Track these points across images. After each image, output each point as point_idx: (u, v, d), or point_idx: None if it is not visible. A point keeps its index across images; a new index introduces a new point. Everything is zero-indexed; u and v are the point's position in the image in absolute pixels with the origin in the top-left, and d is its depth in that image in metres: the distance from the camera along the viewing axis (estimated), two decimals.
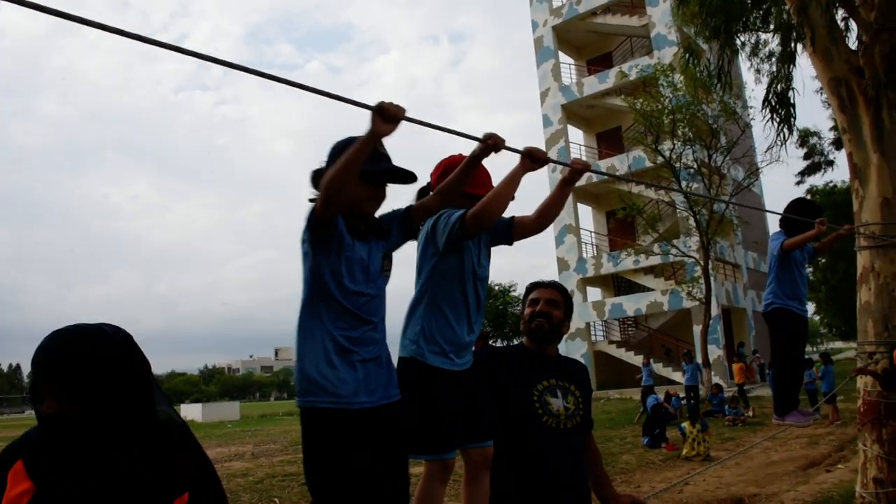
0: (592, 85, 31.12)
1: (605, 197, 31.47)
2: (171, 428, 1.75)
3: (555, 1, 33.23)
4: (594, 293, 33.07)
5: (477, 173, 2.71)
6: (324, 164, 2.53)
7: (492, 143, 2.44)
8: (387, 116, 2.13)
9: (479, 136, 2.48)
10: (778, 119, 11.80)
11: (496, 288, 28.36)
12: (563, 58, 34.01)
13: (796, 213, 5.30)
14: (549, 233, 31.90)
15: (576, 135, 34.09)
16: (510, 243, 2.96)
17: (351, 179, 2.22)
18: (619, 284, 32.28)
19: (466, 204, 2.71)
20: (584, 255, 31.61)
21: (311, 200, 2.47)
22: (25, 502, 1.49)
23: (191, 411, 36.75)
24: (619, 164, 28.87)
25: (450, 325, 2.70)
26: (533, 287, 3.14)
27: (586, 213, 33.89)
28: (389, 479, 2.36)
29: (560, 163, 2.95)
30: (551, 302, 3.03)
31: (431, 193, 2.64)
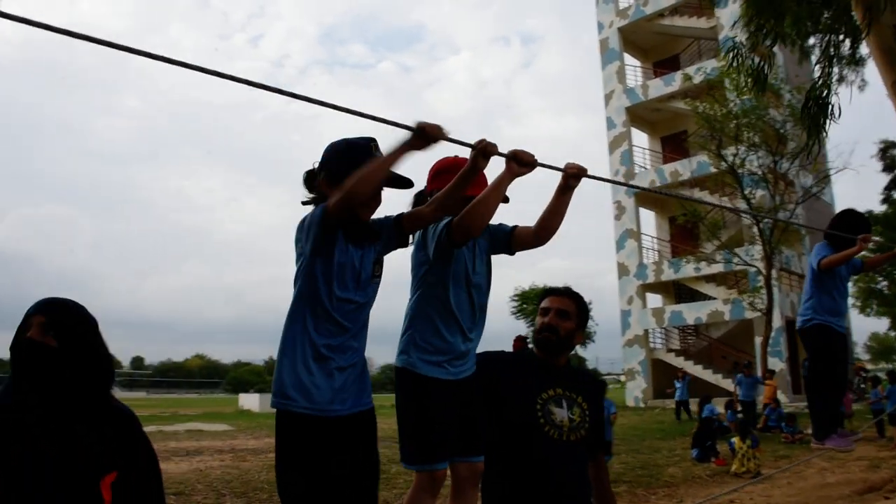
0: (658, 87, 30.56)
1: (668, 202, 30.84)
2: (120, 414, 2.01)
3: (621, 2, 32.77)
4: (654, 300, 32.47)
5: (480, 178, 2.61)
6: (316, 165, 2.53)
7: (480, 149, 2.38)
8: (428, 137, 2.20)
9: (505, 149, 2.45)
10: (809, 123, 11.30)
11: (534, 291, 28.02)
12: (629, 60, 33.57)
13: (841, 226, 4.98)
14: (610, 236, 31.51)
15: (640, 138, 33.56)
16: (510, 253, 2.87)
17: (376, 185, 2.25)
18: (680, 292, 31.58)
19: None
20: (645, 260, 31.07)
21: (304, 202, 2.52)
22: None
23: (248, 401, 37.33)
24: (682, 168, 28.23)
25: (441, 334, 2.64)
26: (546, 294, 3.01)
27: (648, 218, 33.32)
28: (356, 488, 2.35)
29: (549, 166, 2.74)
30: (561, 313, 2.90)
31: (428, 202, 2.59)
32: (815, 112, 7.41)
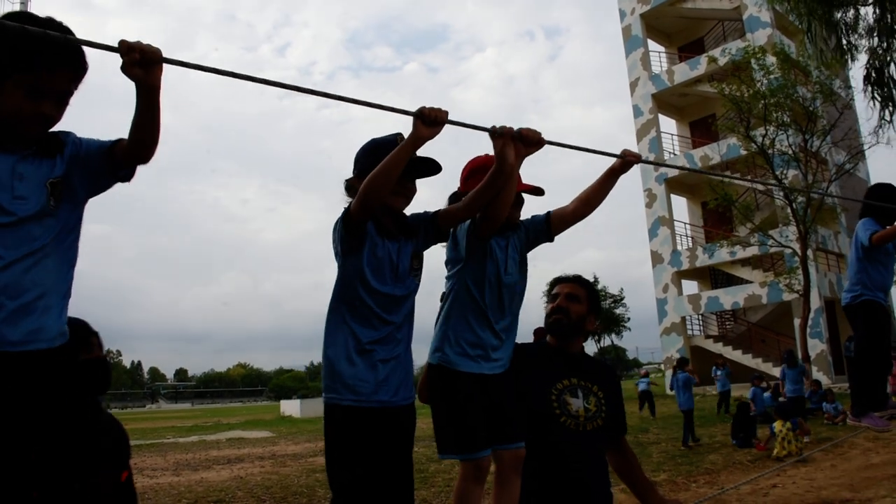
0: (683, 72, 30.21)
1: (699, 187, 30.47)
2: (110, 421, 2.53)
3: None
4: (690, 287, 32.13)
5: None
6: (353, 174, 2.58)
7: (498, 134, 2.41)
8: (428, 121, 2.18)
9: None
10: (880, 97, 11.09)
11: None
12: (653, 46, 33.20)
13: (881, 199, 4.92)
14: (643, 225, 31.23)
15: (668, 124, 33.20)
16: (551, 240, 2.86)
17: (391, 183, 2.28)
18: (716, 277, 31.22)
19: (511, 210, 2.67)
20: (679, 247, 30.74)
21: (346, 209, 2.50)
22: None
23: (289, 408, 37.72)
24: (712, 153, 27.89)
25: (474, 332, 2.67)
26: (555, 282, 3.06)
27: (680, 205, 32.97)
28: (398, 478, 2.42)
29: (603, 153, 2.80)
30: (571, 296, 2.96)
31: (461, 202, 2.61)
32: (874, 83, 7.33)
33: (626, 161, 2.78)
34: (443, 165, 2.56)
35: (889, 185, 5.18)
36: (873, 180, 31.43)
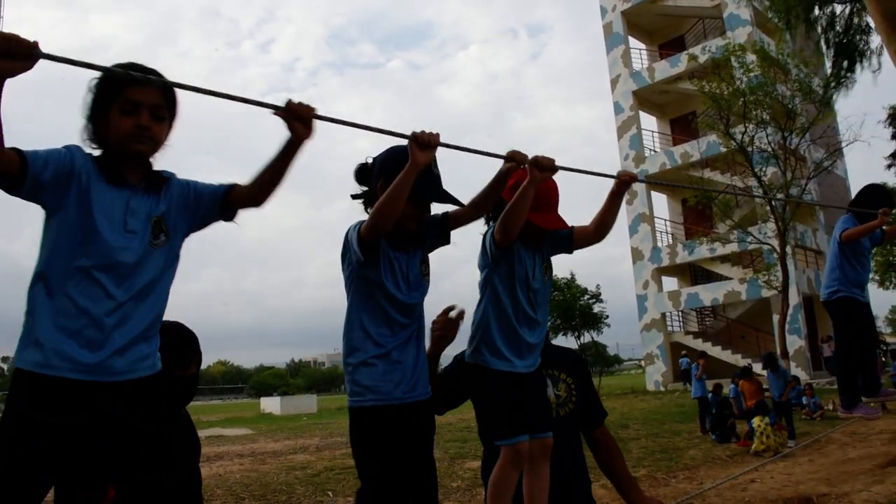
0: (664, 70, 30.35)
1: (678, 184, 30.66)
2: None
3: None
4: (670, 283, 32.30)
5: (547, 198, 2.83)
6: (369, 160, 2.73)
7: (515, 161, 2.56)
8: (422, 144, 2.30)
9: (530, 155, 2.59)
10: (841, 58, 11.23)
11: (561, 282, 27.90)
12: (634, 43, 33.31)
13: (865, 200, 5.06)
14: (623, 222, 31.32)
15: (648, 121, 33.34)
16: (570, 252, 3.05)
17: (399, 208, 2.37)
18: (695, 274, 31.40)
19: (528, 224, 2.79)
20: (659, 244, 30.90)
21: (353, 196, 2.72)
22: None
23: (269, 405, 37.57)
24: (692, 150, 28.04)
25: (507, 334, 2.82)
26: None
27: (660, 202, 33.14)
28: (423, 469, 2.63)
29: (600, 174, 3.01)
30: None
31: (466, 204, 2.75)
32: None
33: (621, 181, 2.94)
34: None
35: (874, 186, 5.30)
36: (851, 178, 31.84)
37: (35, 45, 1.66)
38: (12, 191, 1.90)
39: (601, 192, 3.03)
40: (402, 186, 2.33)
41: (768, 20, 26.70)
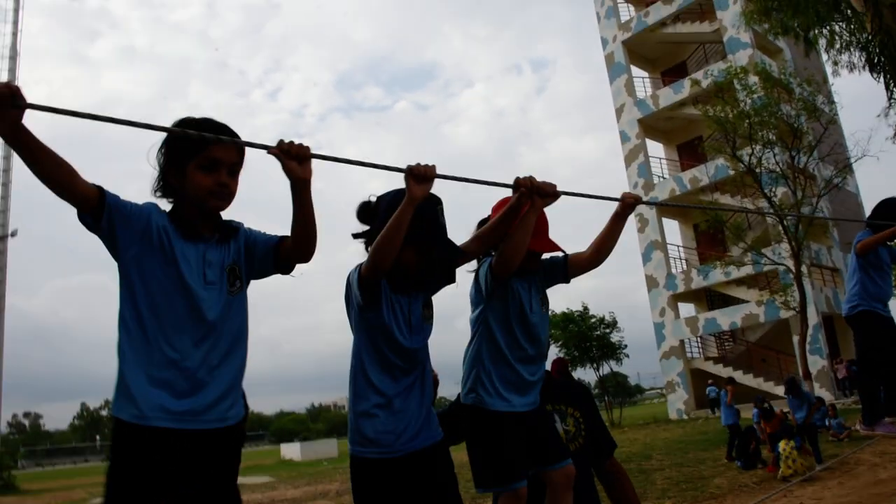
0: (668, 96, 30.44)
1: (690, 210, 30.55)
2: None
3: (623, 15, 32.82)
4: (687, 309, 32.01)
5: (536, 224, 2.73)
6: (373, 198, 2.63)
7: (524, 187, 2.52)
8: (419, 178, 2.25)
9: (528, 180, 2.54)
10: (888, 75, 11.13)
11: (575, 313, 27.69)
12: (637, 72, 33.50)
13: (883, 213, 5.00)
14: (636, 250, 31.19)
15: (655, 148, 33.34)
16: (566, 281, 2.97)
17: (397, 245, 2.30)
18: (712, 298, 31.10)
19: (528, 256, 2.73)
20: (674, 270, 30.68)
21: (354, 236, 2.63)
22: None
23: (290, 451, 37.37)
24: (700, 174, 27.97)
25: (503, 370, 2.75)
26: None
27: (672, 228, 32.97)
28: None
29: (604, 197, 2.94)
30: None
31: (472, 238, 2.70)
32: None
33: (626, 204, 2.88)
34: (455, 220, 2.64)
35: (889, 200, 5.22)
36: (862, 193, 31.63)
37: (14, 92, 1.70)
38: (92, 226, 1.97)
39: (606, 219, 2.97)
40: (399, 223, 2.27)
41: (769, 42, 26.88)
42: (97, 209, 1.95)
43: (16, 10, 30.33)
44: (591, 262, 2.88)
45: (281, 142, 2.04)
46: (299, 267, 2.27)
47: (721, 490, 9.54)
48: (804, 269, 20.75)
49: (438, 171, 2.32)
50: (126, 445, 1.94)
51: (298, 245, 2.15)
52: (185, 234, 2.08)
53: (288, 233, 2.17)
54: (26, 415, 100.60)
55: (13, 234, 28.62)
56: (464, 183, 2.54)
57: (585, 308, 27.88)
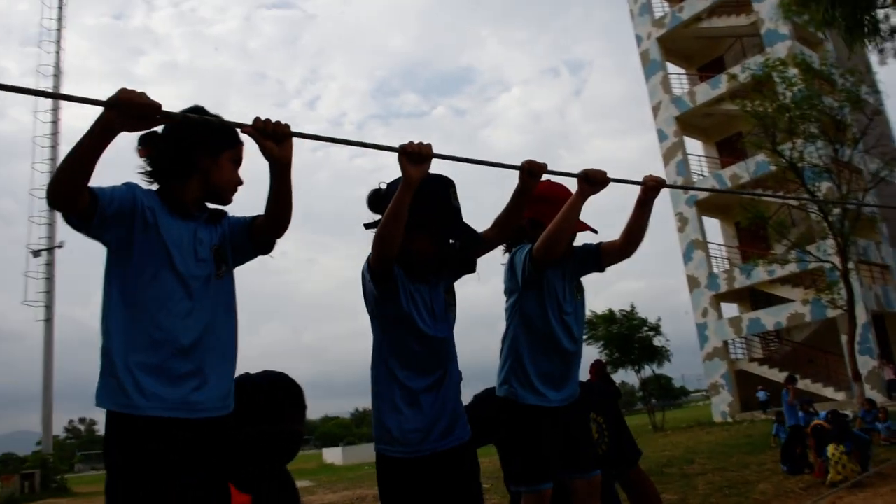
0: (705, 92, 29.84)
1: (731, 207, 29.84)
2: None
3: (657, 12, 32.29)
4: (730, 309, 31.32)
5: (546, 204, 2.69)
6: (383, 185, 2.54)
7: (527, 169, 2.40)
8: (412, 158, 2.16)
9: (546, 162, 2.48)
10: None
11: (619, 313, 27.07)
12: (673, 69, 32.98)
13: None
14: (676, 250, 30.61)
15: (694, 146, 32.73)
16: (601, 270, 2.86)
17: (398, 233, 2.24)
18: (755, 298, 30.35)
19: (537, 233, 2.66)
20: (715, 269, 30.05)
21: (366, 226, 2.53)
22: None
23: (331, 455, 37.56)
24: (741, 171, 27.33)
25: (539, 362, 2.66)
26: None
27: (713, 226, 32.35)
28: None
29: (625, 181, 2.76)
30: None
31: (490, 226, 2.59)
32: None
33: (648, 187, 2.73)
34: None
35: None
36: None
37: (159, 106, 1.79)
38: (81, 226, 1.91)
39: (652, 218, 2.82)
40: (396, 210, 2.20)
41: (809, 33, 26.14)
42: (88, 210, 1.89)
43: (58, 31, 31.15)
44: (623, 251, 2.78)
45: (257, 119, 1.96)
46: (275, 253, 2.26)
47: (765, 496, 9.17)
48: (851, 265, 20.05)
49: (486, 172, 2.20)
50: (123, 438, 1.87)
51: (271, 221, 2.13)
52: (176, 212, 2.07)
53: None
54: (81, 420, 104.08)
55: (60, 246, 29.29)
56: (501, 172, 2.42)
57: (633, 308, 27.27)
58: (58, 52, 30.98)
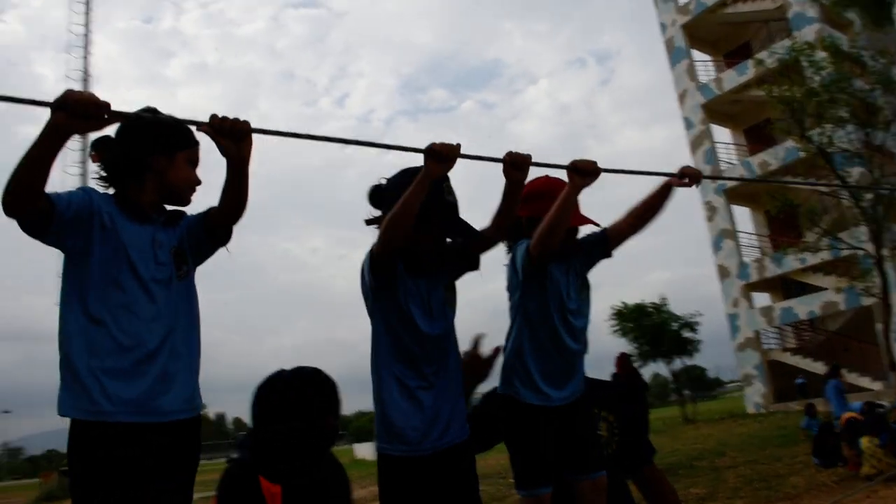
0: (732, 79, 29.36)
1: (760, 195, 29.33)
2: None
3: None
4: (761, 299, 30.85)
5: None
6: (383, 181, 2.51)
7: (509, 161, 2.31)
8: (440, 158, 2.15)
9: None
10: None
11: (649, 306, 26.71)
12: (698, 55, 32.49)
13: None
14: (706, 240, 30.20)
15: (722, 134, 32.26)
16: (609, 255, 2.77)
17: (410, 220, 2.22)
18: (787, 287, 29.83)
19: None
20: (746, 259, 29.60)
21: (367, 221, 2.52)
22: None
23: (363, 450, 37.78)
24: (770, 158, 26.84)
25: (541, 362, 2.60)
26: None
27: (743, 215, 31.87)
28: None
29: (654, 173, 2.71)
30: None
31: (489, 224, 2.53)
32: None
33: (682, 183, 2.67)
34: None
35: None
36: None
37: (107, 105, 1.74)
38: (40, 234, 1.89)
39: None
40: (413, 198, 2.18)
41: (837, 15, 25.58)
42: (47, 218, 1.86)
43: (85, 35, 31.55)
44: (630, 231, 2.71)
45: (213, 116, 1.92)
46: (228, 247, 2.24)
47: (797, 489, 8.97)
48: (885, 252, 19.58)
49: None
50: (89, 447, 1.84)
51: (227, 211, 2.12)
52: (133, 216, 2.06)
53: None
54: None
55: None
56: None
57: (664, 300, 26.91)
58: (85, 57, 31.37)
